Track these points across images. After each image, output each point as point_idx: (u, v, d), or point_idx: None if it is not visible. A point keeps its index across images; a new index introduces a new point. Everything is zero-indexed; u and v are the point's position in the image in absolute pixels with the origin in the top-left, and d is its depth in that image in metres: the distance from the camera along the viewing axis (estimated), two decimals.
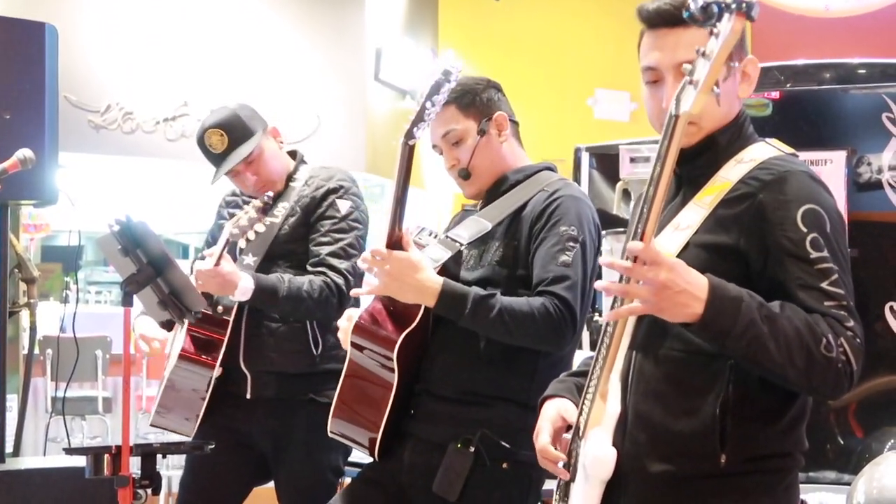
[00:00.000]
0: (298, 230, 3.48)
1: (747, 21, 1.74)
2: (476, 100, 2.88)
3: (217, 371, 3.38)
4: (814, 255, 1.92)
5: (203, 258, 3.43)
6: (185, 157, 7.96)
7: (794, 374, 1.87)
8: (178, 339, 3.45)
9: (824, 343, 1.86)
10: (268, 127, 3.55)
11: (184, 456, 3.69)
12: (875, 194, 3.93)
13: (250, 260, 3.46)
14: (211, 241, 3.64)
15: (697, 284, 1.84)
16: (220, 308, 3.44)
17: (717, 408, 1.95)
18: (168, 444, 3.24)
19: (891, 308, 3.79)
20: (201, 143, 3.49)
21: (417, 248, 2.77)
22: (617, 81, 10.06)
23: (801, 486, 2.10)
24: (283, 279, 3.36)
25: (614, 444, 2.00)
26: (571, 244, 2.71)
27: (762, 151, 2.06)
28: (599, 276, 2.64)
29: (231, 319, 3.42)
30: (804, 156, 2.13)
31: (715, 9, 1.74)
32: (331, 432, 2.94)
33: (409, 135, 2.71)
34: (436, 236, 2.93)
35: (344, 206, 3.49)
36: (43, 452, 4.70)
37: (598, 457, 1.99)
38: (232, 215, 3.57)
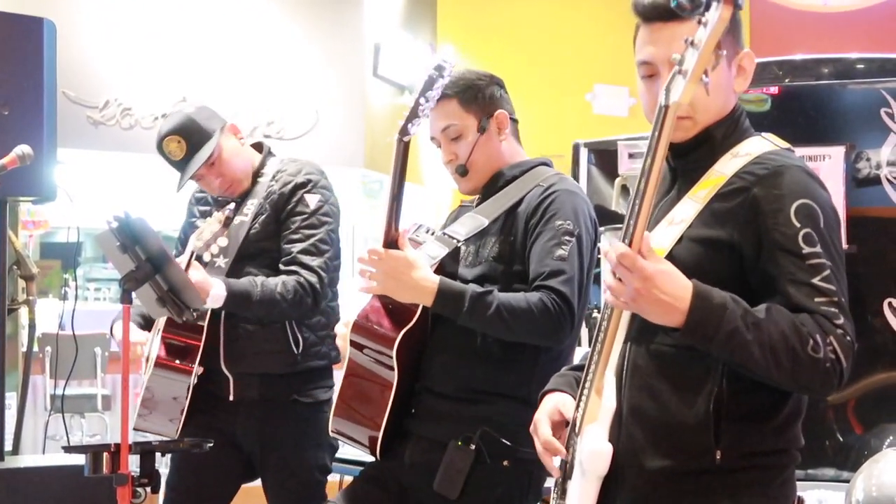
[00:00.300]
0: (269, 227, 3.43)
1: (734, 9, 1.75)
2: (478, 96, 2.86)
3: (198, 370, 3.34)
4: (806, 250, 1.92)
5: None
6: None
7: (781, 376, 1.87)
8: (156, 340, 3.40)
9: (811, 344, 1.86)
10: (226, 125, 3.47)
11: None
12: (874, 190, 3.91)
13: (222, 262, 3.41)
14: (183, 239, 3.59)
15: (676, 294, 1.84)
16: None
17: (711, 404, 1.95)
18: (167, 443, 3.21)
19: (889, 304, 3.78)
20: (160, 150, 3.44)
21: (414, 246, 2.77)
22: (616, 77, 10.05)
23: (799, 483, 2.10)
24: (256, 283, 3.31)
25: (610, 440, 2.00)
26: (567, 238, 2.71)
27: (758, 146, 2.06)
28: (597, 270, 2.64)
29: (206, 324, 3.36)
30: (803, 151, 2.12)
31: None
32: (332, 431, 2.93)
33: (404, 131, 2.71)
34: (433, 233, 2.92)
35: (313, 200, 3.43)
36: (42, 450, 4.68)
37: (595, 452, 1.99)
38: (203, 212, 3.55)
